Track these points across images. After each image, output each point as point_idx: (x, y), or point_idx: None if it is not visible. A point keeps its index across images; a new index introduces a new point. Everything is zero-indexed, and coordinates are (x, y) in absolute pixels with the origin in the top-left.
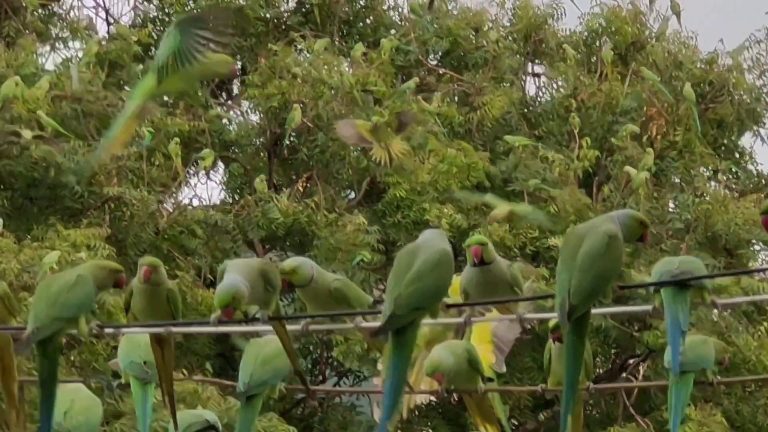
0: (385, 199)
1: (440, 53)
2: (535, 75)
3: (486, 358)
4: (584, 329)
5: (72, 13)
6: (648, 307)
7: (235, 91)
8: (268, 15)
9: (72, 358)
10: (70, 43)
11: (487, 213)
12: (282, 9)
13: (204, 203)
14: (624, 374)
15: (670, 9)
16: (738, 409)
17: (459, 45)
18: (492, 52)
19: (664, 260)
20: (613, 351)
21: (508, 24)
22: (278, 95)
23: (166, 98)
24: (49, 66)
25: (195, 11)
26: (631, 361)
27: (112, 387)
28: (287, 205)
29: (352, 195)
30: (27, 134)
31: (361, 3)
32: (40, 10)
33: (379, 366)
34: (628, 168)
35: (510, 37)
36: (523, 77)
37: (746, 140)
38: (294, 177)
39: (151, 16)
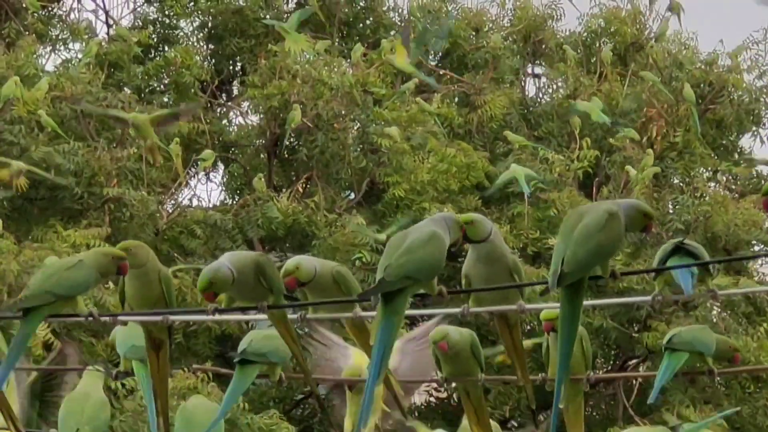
0: (384, 199)
1: (440, 54)
2: (535, 76)
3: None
4: (579, 301)
5: (72, 15)
6: (647, 298)
7: (235, 92)
8: (267, 16)
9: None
10: (70, 45)
11: (487, 214)
12: (282, 10)
13: (204, 204)
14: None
15: (669, 9)
16: (738, 410)
17: (459, 46)
18: (492, 53)
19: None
20: (612, 352)
21: (508, 25)
22: (278, 95)
23: (166, 99)
24: (49, 67)
25: (196, 13)
26: (631, 362)
27: (111, 374)
28: (287, 205)
29: (352, 195)
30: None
31: (361, 4)
32: (40, 12)
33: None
34: (628, 168)
35: (510, 38)
36: (523, 78)
37: (746, 141)
38: (294, 177)
39: (151, 18)
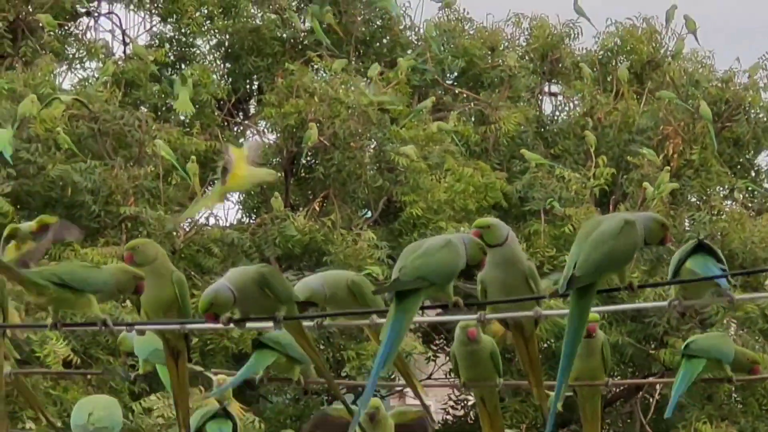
0: (401, 218)
1: (456, 73)
2: (552, 94)
3: None
4: (587, 306)
5: (89, 34)
6: (664, 303)
7: (252, 110)
8: (284, 35)
9: (89, 377)
10: (87, 63)
11: None
12: (298, 29)
13: (221, 223)
14: (641, 393)
15: (685, 27)
16: (755, 428)
17: (475, 64)
18: (508, 72)
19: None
20: (629, 370)
21: (525, 43)
22: (295, 114)
23: (183, 118)
24: (66, 85)
25: (212, 32)
26: (648, 379)
27: (129, 377)
28: (304, 224)
29: (369, 214)
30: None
31: (378, 23)
32: (56, 31)
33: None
34: (646, 184)
35: (526, 57)
36: (539, 96)
37: (762, 159)
38: (310, 196)
39: (168, 36)
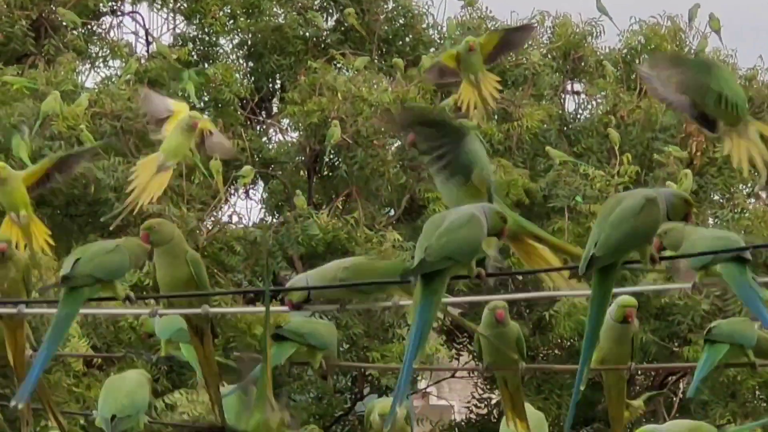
0: (424, 216)
1: None
2: (575, 93)
3: None
4: (609, 286)
5: (112, 33)
6: (687, 285)
7: (275, 109)
8: (307, 33)
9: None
10: (110, 62)
11: None
12: (321, 27)
13: (243, 221)
14: (664, 391)
15: (709, 26)
16: None
17: (498, 62)
18: (531, 70)
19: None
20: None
21: (548, 42)
22: (318, 112)
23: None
24: (89, 84)
25: (235, 31)
26: (671, 377)
27: (152, 359)
28: (327, 222)
29: (392, 212)
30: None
31: (401, 21)
32: (80, 29)
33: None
34: (670, 183)
35: (549, 55)
36: (563, 95)
37: None
38: (333, 194)
39: (191, 35)
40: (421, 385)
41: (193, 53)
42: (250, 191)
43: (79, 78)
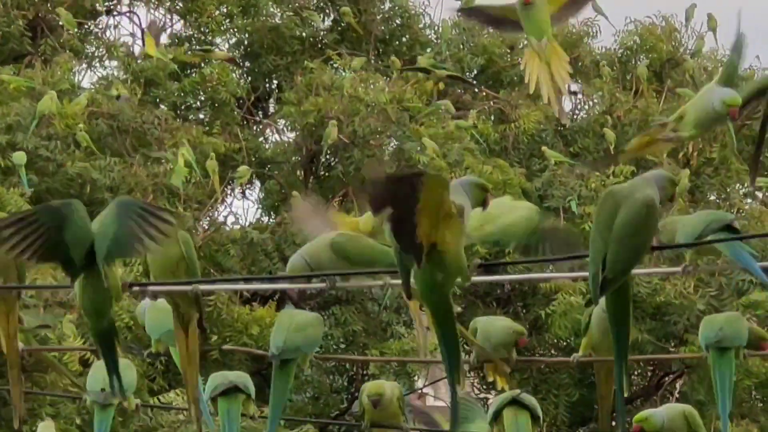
0: None
1: (475, 71)
2: (571, 93)
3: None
4: (627, 297)
5: (108, 33)
6: (677, 269)
7: (271, 109)
8: (303, 33)
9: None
10: (107, 62)
11: None
12: (318, 27)
13: (240, 221)
14: (660, 391)
15: (706, 25)
16: None
17: (494, 63)
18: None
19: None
20: (649, 368)
21: None
22: (314, 112)
23: (202, 116)
24: (85, 83)
25: (232, 30)
26: (667, 377)
27: (142, 354)
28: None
29: None
30: None
31: (398, 21)
32: (76, 29)
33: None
34: None
35: None
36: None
37: None
38: (330, 194)
39: (187, 35)
40: (418, 385)
41: (189, 53)
42: (247, 191)
43: (76, 78)
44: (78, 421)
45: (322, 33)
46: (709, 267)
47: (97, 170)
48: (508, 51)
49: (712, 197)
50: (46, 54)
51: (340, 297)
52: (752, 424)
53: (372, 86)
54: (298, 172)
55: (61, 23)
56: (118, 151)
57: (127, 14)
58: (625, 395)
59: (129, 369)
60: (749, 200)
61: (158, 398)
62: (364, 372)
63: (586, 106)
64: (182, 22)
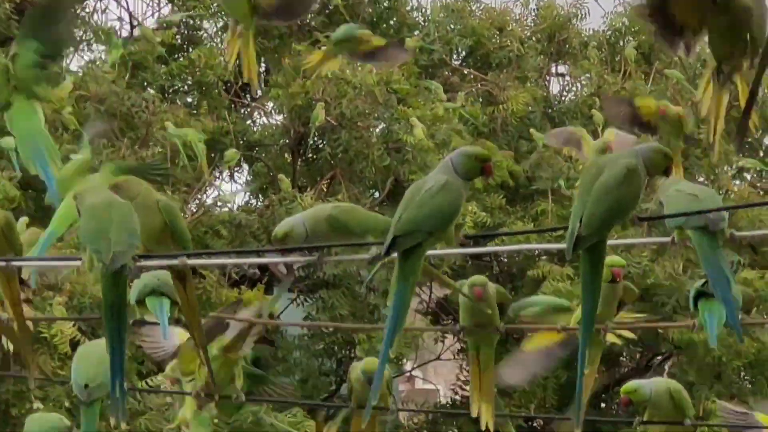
0: None
1: (464, 53)
2: (559, 75)
3: None
4: (600, 261)
5: (95, 16)
6: (666, 239)
7: (259, 92)
8: None
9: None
10: (94, 46)
11: (512, 212)
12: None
13: (228, 204)
14: (649, 373)
15: None
16: (764, 407)
17: (483, 45)
18: (516, 52)
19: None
20: (638, 349)
21: (532, 24)
22: (302, 94)
23: (190, 99)
24: (73, 67)
25: (219, 14)
26: (656, 359)
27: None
28: (311, 204)
29: (377, 194)
30: None
31: (385, 4)
32: None
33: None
34: None
35: (534, 37)
36: (547, 77)
37: None
38: (318, 176)
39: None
40: (407, 368)
41: (177, 36)
42: (235, 174)
43: (63, 61)
44: (67, 404)
45: (309, 16)
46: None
47: None
48: (497, 33)
49: (701, 178)
50: None
51: (327, 280)
52: (741, 405)
53: (359, 68)
54: (286, 155)
55: None
56: (105, 134)
57: None
58: (617, 375)
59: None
60: (737, 182)
61: (146, 381)
62: (352, 355)
63: (574, 88)
64: (170, 6)
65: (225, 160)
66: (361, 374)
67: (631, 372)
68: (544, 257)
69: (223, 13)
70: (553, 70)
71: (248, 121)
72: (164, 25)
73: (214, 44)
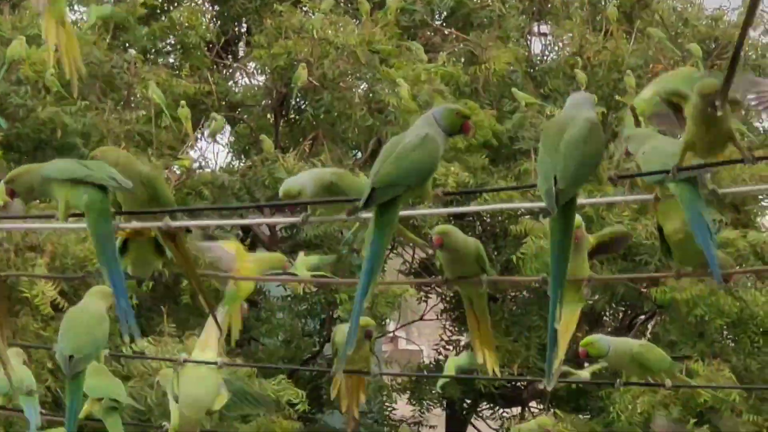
0: None
1: (445, 13)
2: (541, 34)
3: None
4: (571, 218)
5: None
6: (649, 196)
7: (241, 52)
8: None
9: None
10: (76, 7)
11: (495, 172)
12: None
13: (211, 165)
14: (632, 332)
15: None
16: (746, 365)
17: (464, 5)
18: (497, 12)
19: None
20: (621, 309)
21: None
22: (284, 55)
23: (172, 60)
24: None
25: None
26: (639, 319)
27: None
28: (293, 165)
29: (359, 155)
30: None
31: None
32: None
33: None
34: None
35: None
36: (529, 37)
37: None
38: (300, 137)
39: None
40: (390, 328)
41: None
42: (218, 136)
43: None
44: (49, 365)
45: None
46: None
47: (68, 115)
48: None
49: (681, 136)
50: None
51: (309, 241)
52: (723, 364)
53: (341, 28)
54: (268, 116)
55: None
56: (88, 97)
57: None
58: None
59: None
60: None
61: (130, 346)
62: (335, 315)
63: (556, 48)
64: None
65: (211, 128)
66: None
67: (613, 332)
68: (527, 216)
69: None
70: (535, 29)
71: (230, 82)
72: None
73: (195, 4)
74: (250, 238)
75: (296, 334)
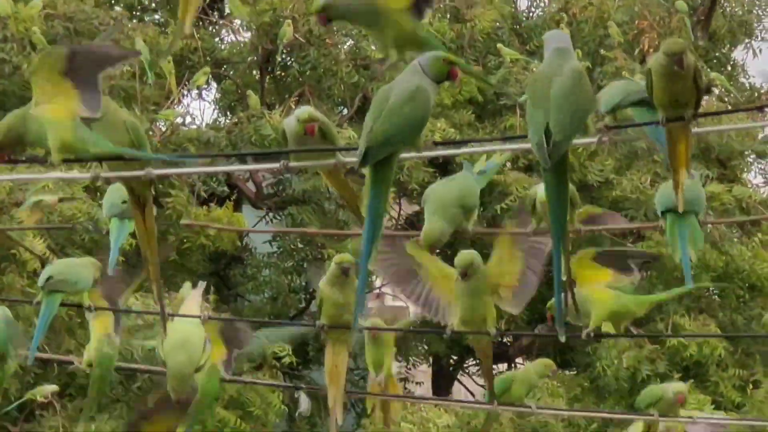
0: None
1: None
2: None
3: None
4: (565, 169)
5: None
6: (593, 140)
7: (227, 9)
8: None
9: None
10: None
11: (481, 128)
12: None
13: (197, 122)
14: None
15: None
16: (732, 320)
17: None
18: None
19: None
20: None
21: None
22: (269, 11)
23: (157, 17)
24: None
25: None
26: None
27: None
28: (279, 122)
29: (345, 111)
30: None
31: None
32: None
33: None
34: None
35: None
36: None
37: (738, 53)
38: (286, 94)
39: None
40: (376, 285)
41: None
42: (203, 92)
43: None
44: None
45: None
46: (623, 138)
47: None
48: None
49: None
50: None
51: (297, 197)
52: (710, 319)
53: None
54: (254, 72)
55: None
56: None
57: None
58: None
59: (85, 267)
60: (706, 96)
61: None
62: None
63: (542, 4)
64: None
65: (194, 81)
66: (334, 266)
67: (593, 227)
68: (513, 171)
69: None
70: None
71: (216, 39)
72: None
73: None
74: (236, 194)
75: (282, 290)
